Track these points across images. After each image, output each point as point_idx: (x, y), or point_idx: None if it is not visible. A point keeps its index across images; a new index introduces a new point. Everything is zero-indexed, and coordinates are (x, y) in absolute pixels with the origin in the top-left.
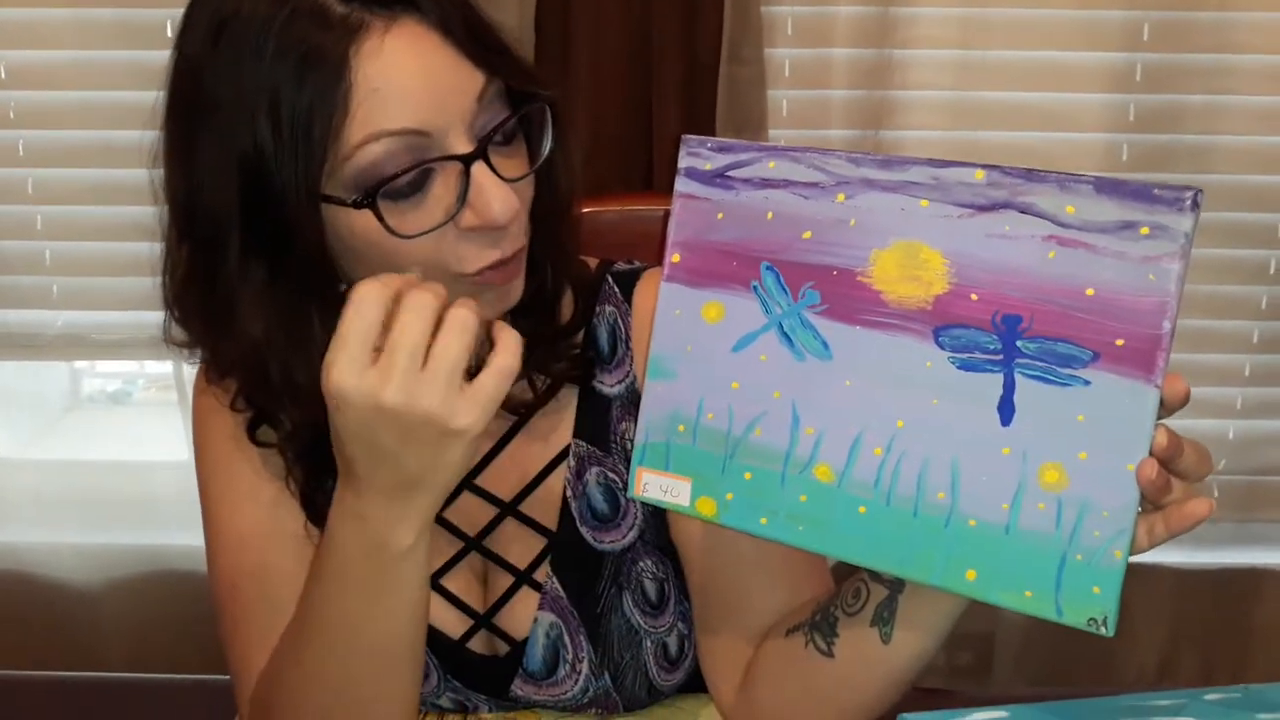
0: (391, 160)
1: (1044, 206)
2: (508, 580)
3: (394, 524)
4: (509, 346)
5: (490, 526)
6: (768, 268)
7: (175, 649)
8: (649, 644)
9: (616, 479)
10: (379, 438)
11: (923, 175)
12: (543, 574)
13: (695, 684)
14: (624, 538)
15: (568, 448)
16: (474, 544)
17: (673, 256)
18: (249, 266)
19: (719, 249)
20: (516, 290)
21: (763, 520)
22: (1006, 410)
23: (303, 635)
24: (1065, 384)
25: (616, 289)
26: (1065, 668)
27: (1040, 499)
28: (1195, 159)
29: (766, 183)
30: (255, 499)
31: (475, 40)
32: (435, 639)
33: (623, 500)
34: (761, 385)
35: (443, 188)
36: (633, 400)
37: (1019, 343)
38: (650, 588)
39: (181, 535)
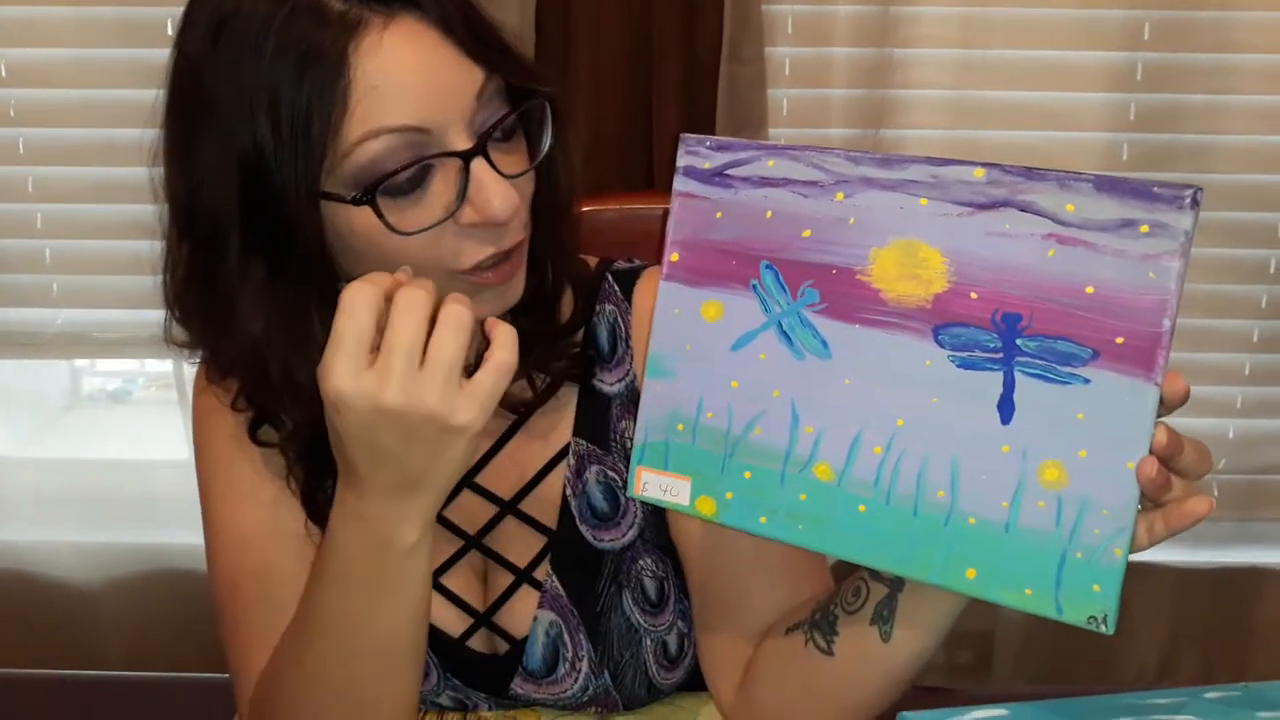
0: (391, 157)
1: (1044, 205)
2: (507, 579)
3: (397, 523)
4: (505, 342)
5: (490, 525)
6: (767, 266)
7: (175, 648)
8: (649, 642)
9: (616, 477)
10: (380, 439)
11: (922, 174)
12: (542, 572)
13: (695, 682)
14: (624, 536)
15: (567, 446)
16: (474, 542)
17: (671, 255)
18: (249, 265)
19: (718, 248)
20: (517, 288)
21: (762, 519)
22: (1006, 408)
23: (304, 636)
24: (1065, 382)
25: (616, 287)
26: (1065, 666)
27: (1040, 497)
28: (1195, 158)
29: (765, 181)
30: (256, 498)
31: (474, 37)
32: (435, 637)
33: (622, 499)
34: (761, 384)
35: (442, 184)
36: (632, 399)
37: (1019, 341)
38: (650, 586)
39: (181, 534)
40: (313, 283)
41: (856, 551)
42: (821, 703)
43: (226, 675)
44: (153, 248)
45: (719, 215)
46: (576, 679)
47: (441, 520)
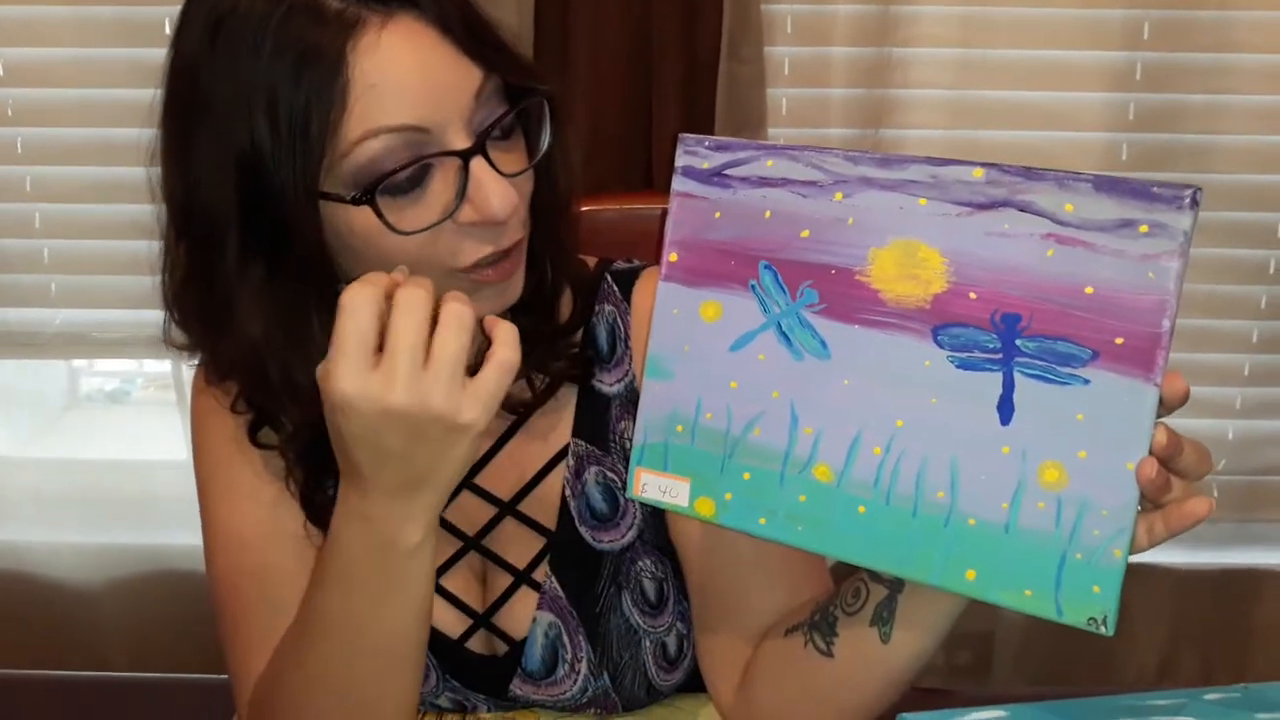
0: (390, 156)
1: (1043, 205)
2: (507, 580)
3: (401, 522)
4: (507, 340)
5: (489, 526)
6: (766, 267)
7: (175, 648)
8: (648, 644)
9: (615, 478)
10: (385, 439)
11: (921, 173)
12: (541, 573)
13: (694, 684)
14: (623, 537)
15: (566, 447)
16: (473, 543)
17: (670, 255)
18: (247, 265)
19: (717, 248)
20: (516, 287)
21: (761, 520)
22: (1006, 409)
23: (305, 637)
24: (1064, 383)
25: (615, 288)
26: (1065, 667)
27: (1040, 498)
28: (1195, 158)
29: (764, 181)
30: (255, 499)
31: (472, 36)
32: (434, 638)
33: (621, 500)
34: (760, 385)
35: (441, 184)
36: (632, 399)
37: (1018, 341)
38: (649, 587)
39: (181, 534)
40: (311, 283)
41: (856, 552)
42: (821, 704)
43: (226, 676)
44: (151, 248)
45: (718, 215)
46: (575, 680)
47: (440, 521)
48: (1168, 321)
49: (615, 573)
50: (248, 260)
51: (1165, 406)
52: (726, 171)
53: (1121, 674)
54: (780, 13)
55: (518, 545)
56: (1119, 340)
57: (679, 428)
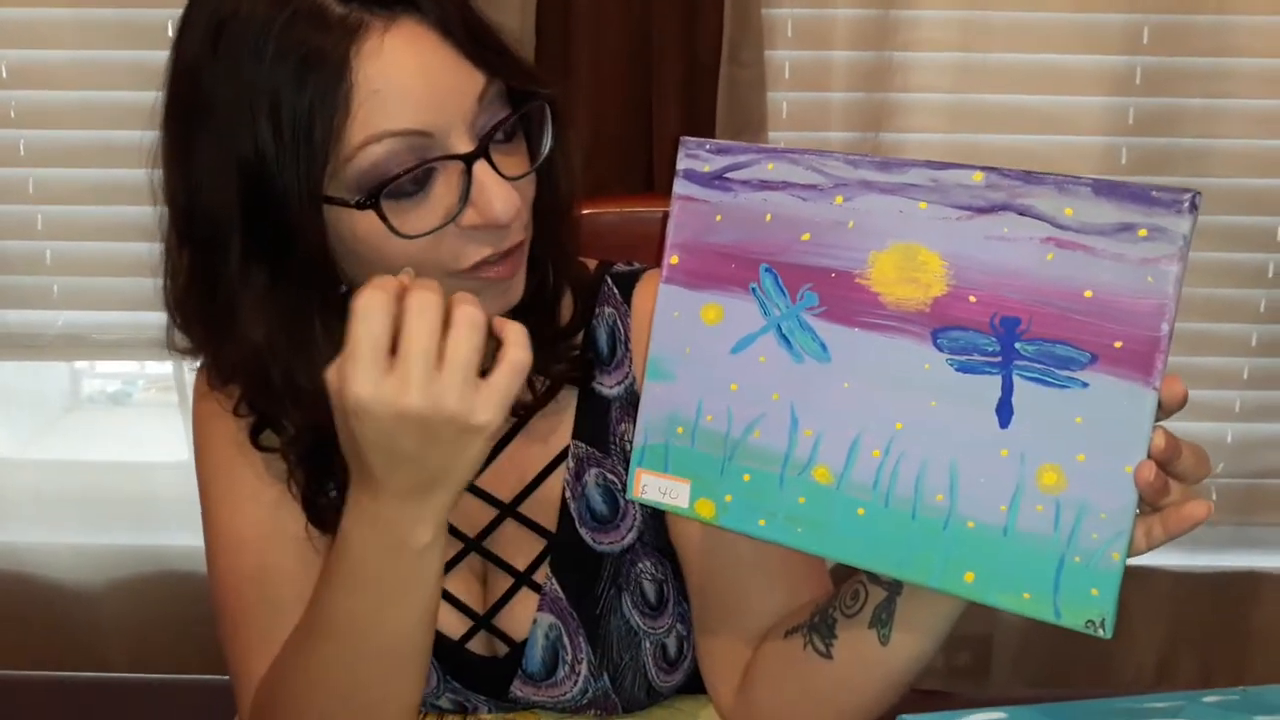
0: (393, 160)
1: (1042, 209)
2: (507, 581)
3: (412, 523)
4: (517, 340)
5: (490, 528)
6: (766, 270)
7: (175, 649)
8: (648, 645)
9: (615, 480)
10: (399, 442)
11: (921, 177)
12: (542, 575)
13: (694, 685)
14: (623, 539)
15: (567, 449)
16: (474, 545)
17: (671, 258)
18: (250, 270)
19: (718, 251)
20: (518, 287)
21: (761, 522)
22: (1005, 412)
23: (311, 638)
24: (1063, 386)
25: (616, 290)
26: (1063, 670)
27: (1038, 501)
28: (1194, 162)
29: (765, 185)
30: (257, 501)
31: (474, 40)
32: (435, 640)
33: (622, 501)
34: (760, 387)
35: (444, 187)
36: (632, 401)
37: (1017, 345)
38: (649, 589)
39: (181, 536)
40: (314, 287)
41: (855, 554)
42: (820, 706)
43: (226, 677)
44: (153, 250)
45: (719, 218)
46: (576, 681)
47: None
48: (1166, 325)
49: (615, 574)
50: (250, 265)
51: (1164, 410)
52: (727, 175)
53: (1120, 676)
54: (781, 17)
55: (518, 547)
56: (1118, 344)
57: (679, 429)
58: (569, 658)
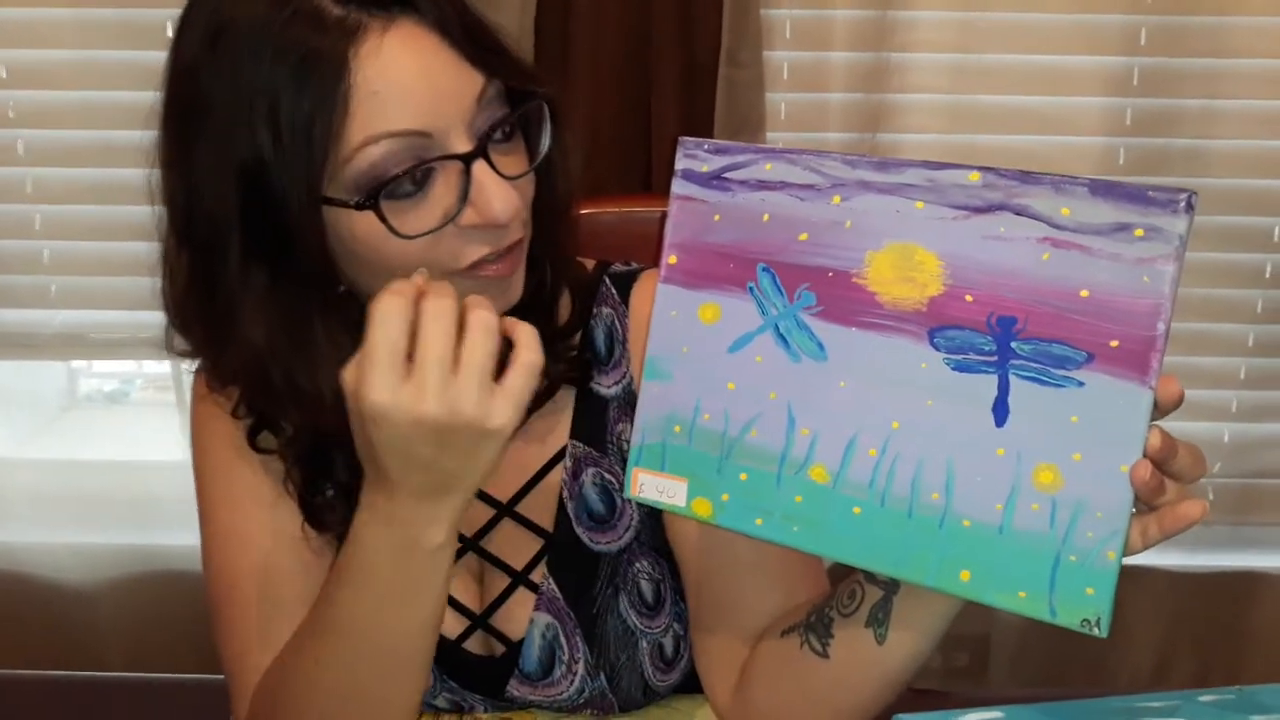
0: (392, 161)
1: (1039, 208)
2: (504, 581)
3: (426, 524)
4: (529, 342)
5: (487, 527)
6: (764, 269)
7: (172, 649)
8: (645, 645)
9: (613, 480)
10: (416, 447)
11: (918, 177)
12: (539, 575)
13: (691, 685)
14: (620, 539)
15: (564, 449)
16: (471, 544)
17: (669, 258)
18: (250, 271)
19: (715, 250)
20: (517, 286)
21: (758, 521)
22: (1001, 411)
23: (317, 636)
24: (1059, 385)
25: (613, 290)
26: (1060, 669)
27: (1034, 500)
28: (1192, 163)
29: (763, 185)
30: (255, 501)
31: (472, 41)
32: None
33: (619, 501)
34: (757, 386)
35: (444, 187)
36: (629, 401)
37: (1014, 344)
38: (646, 589)
39: (178, 535)
40: (314, 287)
41: (851, 554)
42: (817, 705)
43: (223, 676)
44: (151, 249)
45: (716, 218)
46: (573, 681)
47: None
48: (1162, 325)
49: (612, 574)
50: (250, 266)
51: (1160, 410)
52: (725, 175)
53: (1117, 676)
54: (779, 17)
55: (516, 546)
56: (1114, 343)
57: (677, 428)
58: (566, 657)
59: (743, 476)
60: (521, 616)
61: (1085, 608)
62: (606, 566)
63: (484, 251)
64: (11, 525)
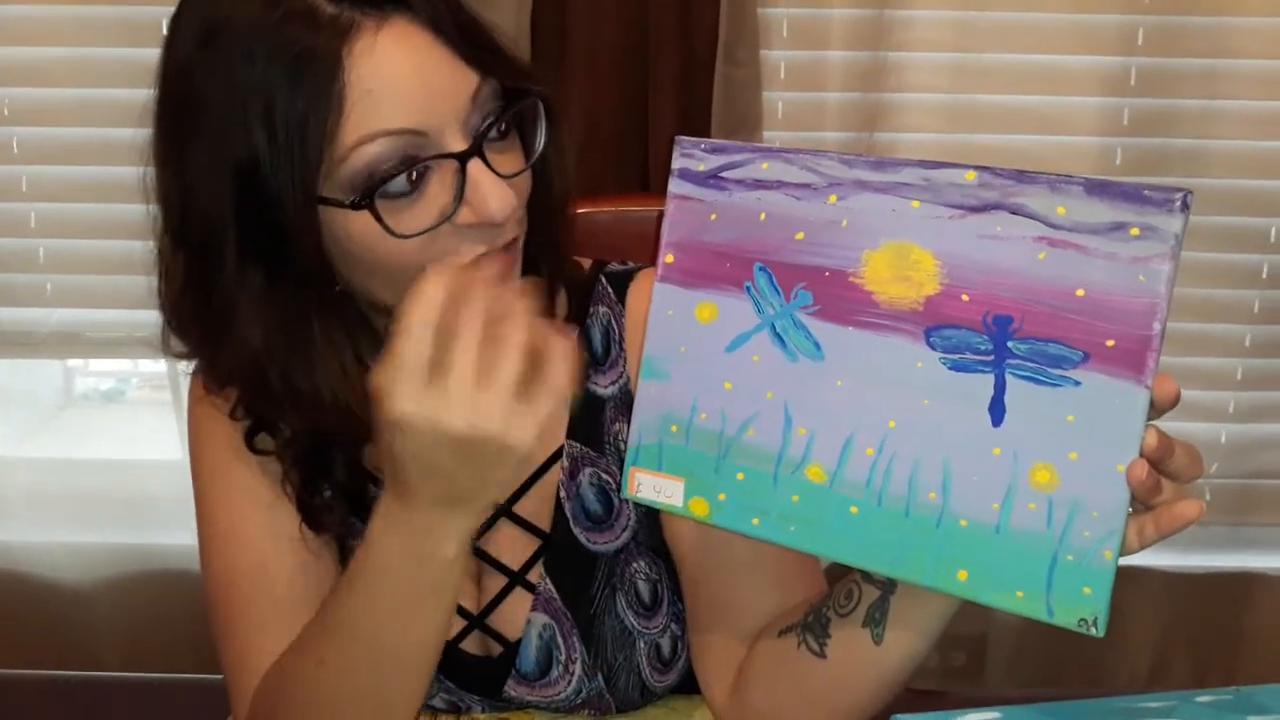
0: (387, 160)
1: (1035, 208)
2: (501, 581)
3: (440, 535)
4: (560, 365)
5: (485, 528)
6: (760, 268)
7: (169, 648)
8: (642, 645)
9: (610, 480)
10: (437, 458)
11: (914, 176)
12: (536, 575)
13: (688, 685)
14: (617, 539)
15: (561, 449)
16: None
17: (666, 257)
18: (246, 272)
19: (712, 250)
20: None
21: (755, 521)
22: (997, 411)
23: (324, 637)
24: (1056, 384)
25: (610, 289)
26: (1058, 670)
27: (1031, 499)
28: (1189, 163)
29: (759, 184)
30: (253, 501)
31: (467, 39)
32: None
33: (616, 501)
34: (754, 386)
35: (439, 186)
36: (626, 401)
37: (1010, 343)
38: (644, 589)
39: (175, 534)
40: (311, 287)
41: (848, 553)
42: (814, 705)
43: (220, 676)
44: (147, 248)
45: (713, 217)
46: (570, 681)
47: None
48: (1158, 324)
49: (610, 574)
50: (246, 267)
51: (1156, 409)
52: (722, 174)
53: (1114, 676)
54: (776, 16)
55: (513, 547)
56: (1110, 342)
57: (674, 428)
58: (563, 658)
59: (739, 476)
60: (519, 617)
61: (1082, 607)
62: (604, 567)
63: (480, 250)
64: (8, 524)
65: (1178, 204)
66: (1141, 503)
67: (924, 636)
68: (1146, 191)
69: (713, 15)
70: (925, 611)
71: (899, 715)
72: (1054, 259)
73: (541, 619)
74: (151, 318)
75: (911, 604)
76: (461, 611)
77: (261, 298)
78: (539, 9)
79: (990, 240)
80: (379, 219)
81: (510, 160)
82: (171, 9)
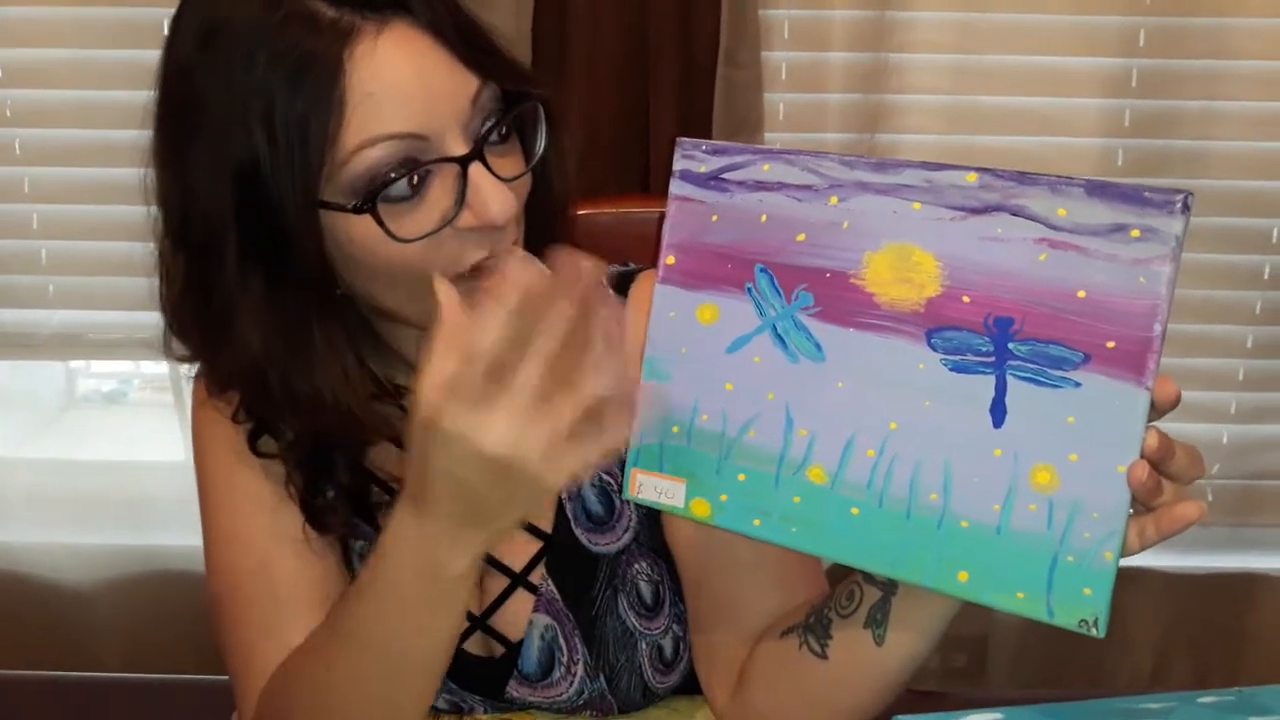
0: (389, 164)
1: (1036, 209)
2: (503, 582)
3: (454, 552)
4: (624, 422)
5: None
6: (762, 270)
7: (170, 649)
8: (644, 646)
9: (611, 481)
10: (469, 476)
11: (915, 178)
12: (538, 576)
13: (690, 686)
14: (618, 540)
15: None
16: None
17: (667, 259)
18: (246, 276)
19: (713, 251)
20: None
21: (756, 522)
22: (998, 412)
23: (333, 642)
24: (1056, 386)
25: (611, 291)
26: (1059, 670)
27: (1031, 500)
28: (1190, 164)
29: (760, 185)
30: (257, 503)
31: (467, 42)
32: None
33: (617, 502)
34: (755, 387)
35: (440, 190)
36: None
37: (1010, 345)
38: (645, 590)
39: (176, 535)
40: (311, 291)
41: (849, 554)
42: (815, 706)
43: (222, 677)
44: (148, 250)
45: (714, 219)
46: (572, 682)
47: None
48: (1159, 326)
49: (611, 575)
50: (246, 269)
51: (1157, 410)
52: (723, 175)
53: (1115, 677)
54: (778, 18)
55: (514, 548)
56: (1110, 344)
57: (675, 429)
58: (565, 659)
59: (741, 477)
60: (521, 618)
61: (1083, 608)
62: (605, 568)
63: (482, 255)
64: (9, 525)
65: (1178, 206)
66: (1142, 504)
67: (925, 637)
68: (1147, 193)
69: (713, 18)
70: (926, 612)
71: (901, 716)
72: (1055, 261)
73: (543, 620)
74: (153, 319)
75: (913, 605)
76: None
77: (262, 301)
78: (539, 13)
79: (991, 242)
80: (381, 223)
81: (511, 163)
82: (172, 11)
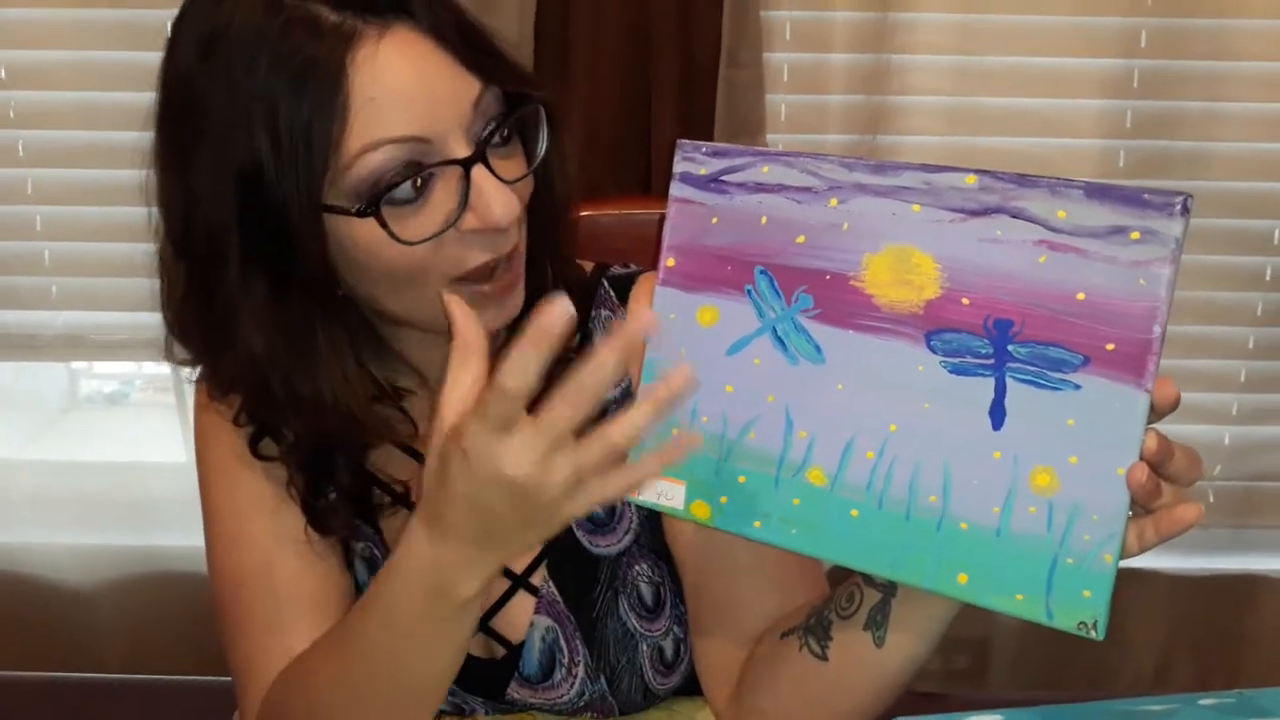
0: (392, 167)
1: (1035, 211)
2: (504, 584)
3: (463, 575)
4: (641, 469)
5: None
6: (761, 272)
7: (171, 650)
8: (645, 647)
9: None
10: (487, 498)
11: (915, 180)
12: (539, 578)
13: (691, 687)
14: (619, 542)
15: None
16: None
17: (667, 260)
18: (249, 280)
19: (713, 253)
20: (517, 300)
21: (756, 524)
22: (998, 414)
23: (337, 657)
24: (1056, 388)
25: (612, 293)
26: (1061, 672)
27: (1031, 502)
28: (1192, 165)
29: (760, 187)
30: (259, 505)
31: (468, 46)
32: None
33: (618, 504)
34: (755, 389)
35: (443, 192)
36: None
37: (1010, 347)
38: (646, 591)
39: (178, 536)
40: (314, 295)
41: (849, 556)
42: (816, 708)
43: (223, 678)
44: (151, 251)
45: (714, 221)
46: (573, 684)
47: None
48: (1159, 328)
49: (612, 577)
50: (249, 274)
51: (1156, 412)
52: (724, 177)
53: (1117, 679)
54: (779, 19)
55: None
56: (1110, 346)
57: (675, 431)
58: (566, 660)
59: (741, 479)
60: (521, 619)
61: (1082, 610)
62: (606, 569)
63: (485, 257)
64: (12, 526)
65: (1178, 208)
66: (1141, 506)
67: (925, 639)
68: (1147, 195)
69: (715, 19)
70: (926, 614)
71: (901, 718)
72: (1054, 263)
73: (544, 622)
74: (156, 320)
75: (912, 607)
76: None
77: (264, 304)
78: (541, 16)
79: (991, 244)
80: (385, 226)
81: (513, 166)
82: (174, 13)
